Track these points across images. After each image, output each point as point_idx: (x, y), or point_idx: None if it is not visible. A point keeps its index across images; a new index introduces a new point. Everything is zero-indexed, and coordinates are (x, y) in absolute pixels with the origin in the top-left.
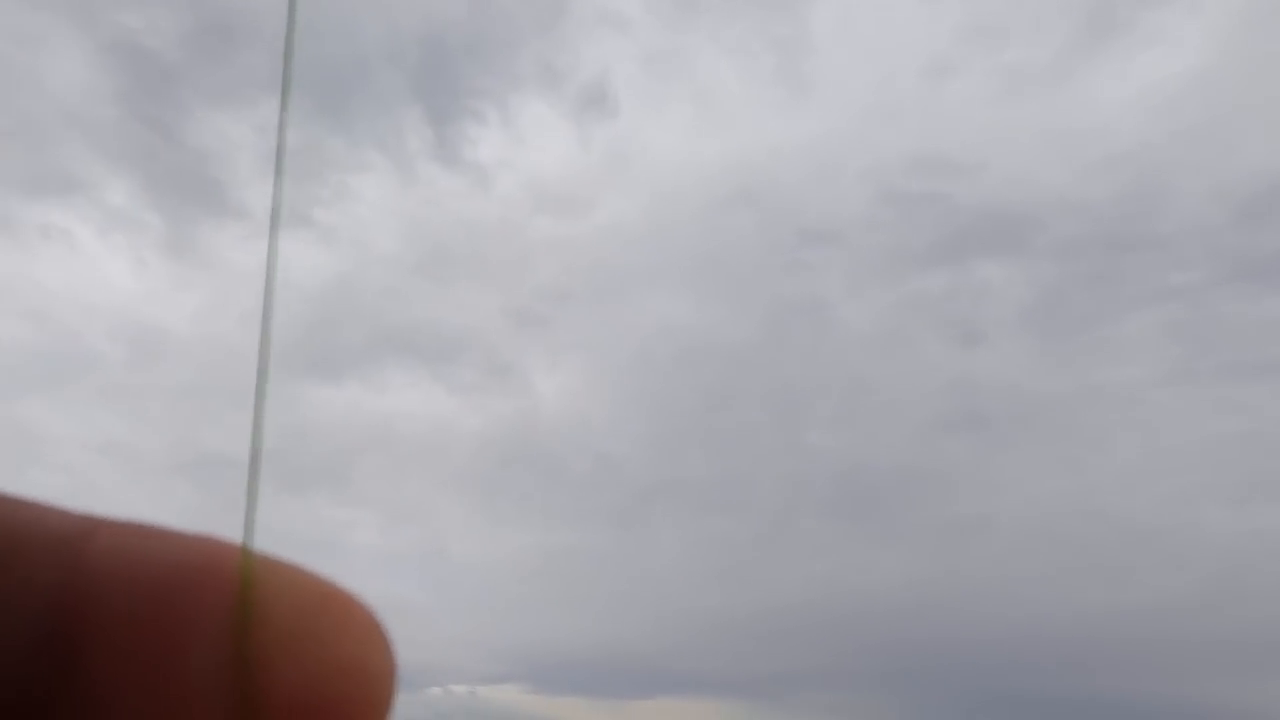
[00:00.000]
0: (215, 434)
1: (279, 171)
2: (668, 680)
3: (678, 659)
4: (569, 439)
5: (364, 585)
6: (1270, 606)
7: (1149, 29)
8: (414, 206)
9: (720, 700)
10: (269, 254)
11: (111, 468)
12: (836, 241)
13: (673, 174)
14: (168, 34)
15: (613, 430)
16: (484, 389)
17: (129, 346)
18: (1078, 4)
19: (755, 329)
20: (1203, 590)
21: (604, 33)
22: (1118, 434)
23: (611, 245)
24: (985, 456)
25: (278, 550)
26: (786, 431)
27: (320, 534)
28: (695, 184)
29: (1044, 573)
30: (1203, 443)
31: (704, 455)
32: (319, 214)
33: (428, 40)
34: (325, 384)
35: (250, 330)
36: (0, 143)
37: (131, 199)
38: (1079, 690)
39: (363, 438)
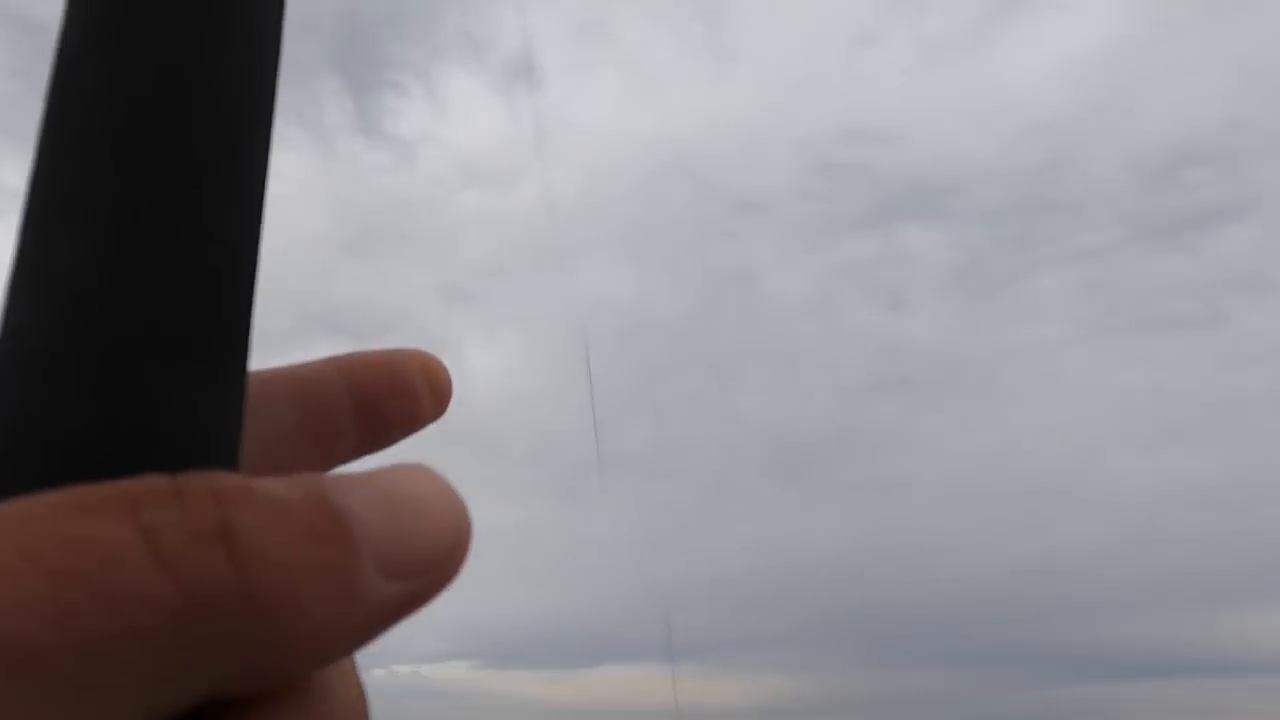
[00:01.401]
0: None
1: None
2: (615, 648)
3: (625, 627)
4: (507, 416)
5: None
6: (1180, 550)
7: None
8: (337, 182)
9: (662, 665)
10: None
11: None
12: (766, 212)
13: (604, 146)
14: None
15: (552, 405)
16: None
17: None
18: None
19: (690, 300)
20: (1118, 536)
21: (527, 0)
22: (1035, 390)
23: (541, 218)
24: (911, 417)
25: None
26: (721, 399)
27: None
28: (625, 156)
29: (970, 526)
30: (1114, 395)
31: (644, 427)
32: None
33: (344, 9)
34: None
35: None
36: None
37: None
38: (1008, 639)
39: None
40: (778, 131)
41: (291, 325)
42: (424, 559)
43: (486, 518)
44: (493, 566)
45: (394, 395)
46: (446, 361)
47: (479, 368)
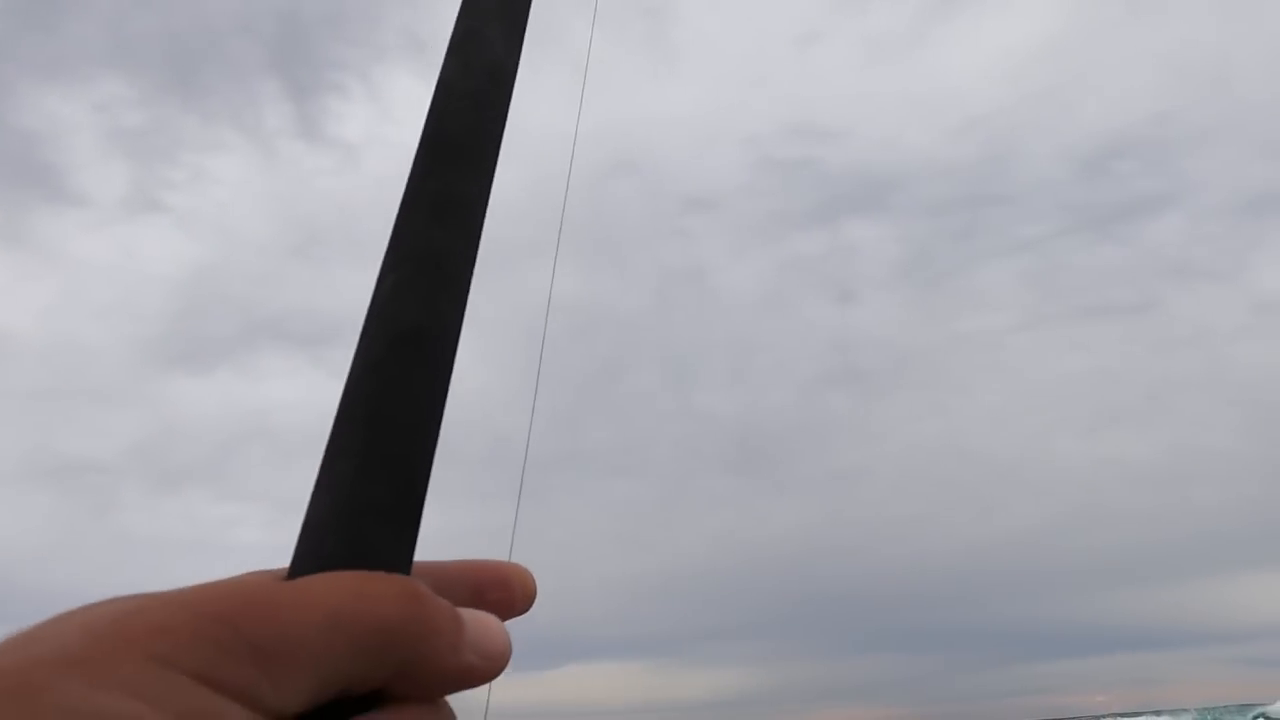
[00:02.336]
0: (75, 438)
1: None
2: (578, 647)
3: (587, 625)
4: (460, 417)
5: None
6: (1120, 528)
7: None
8: (279, 186)
9: (629, 661)
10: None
11: None
12: (716, 208)
13: (549, 144)
14: None
15: (507, 406)
16: None
17: None
18: None
19: (643, 298)
20: (1062, 517)
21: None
22: (981, 378)
23: (495, 218)
24: (864, 407)
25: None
26: (678, 395)
27: (199, 534)
28: (576, 154)
29: (924, 512)
30: (1055, 381)
31: (601, 425)
32: (173, 198)
33: (282, 10)
34: (196, 377)
35: (106, 326)
36: None
37: None
38: (963, 620)
39: (241, 430)
40: (725, 129)
41: (238, 332)
42: (493, 652)
43: (448, 523)
44: None
45: (497, 589)
46: None
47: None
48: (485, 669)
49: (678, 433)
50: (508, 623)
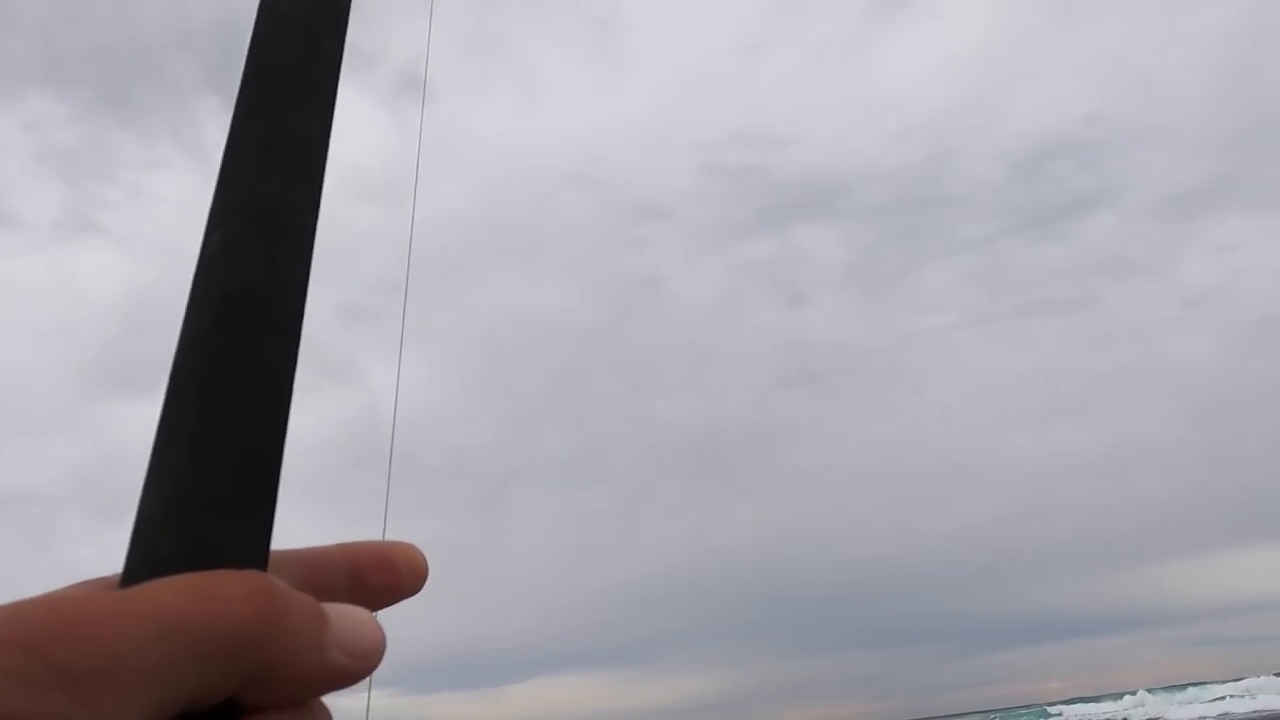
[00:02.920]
0: (10, 469)
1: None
2: (541, 660)
3: (552, 638)
4: (418, 433)
5: None
6: (1069, 518)
7: (930, 6)
8: None
9: (595, 672)
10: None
11: None
12: (667, 216)
13: (500, 158)
14: None
15: (464, 420)
16: (317, 390)
17: None
18: None
19: (597, 306)
20: (1014, 509)
21: (414, 14)
22: (931, 376)
23: (442, 233)
24: (819, 409)
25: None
26: (636, 402)
27: None
28: (524, 167)
29: (881, 509)
30: (1002, 377)
31: (559, 435)
32: (110, 218)
33: (220, 23)
34: (138, 400)
35: (42, 350)
36: None
37: None
38: (921, 614)
39: None
40: (673, 138)
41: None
42: (363, 649)
43: (403, 539)
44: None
45: (380, 572)
46: (348, 382)
47: (385, 386)
48: (355, 668)
49: (637, 440)
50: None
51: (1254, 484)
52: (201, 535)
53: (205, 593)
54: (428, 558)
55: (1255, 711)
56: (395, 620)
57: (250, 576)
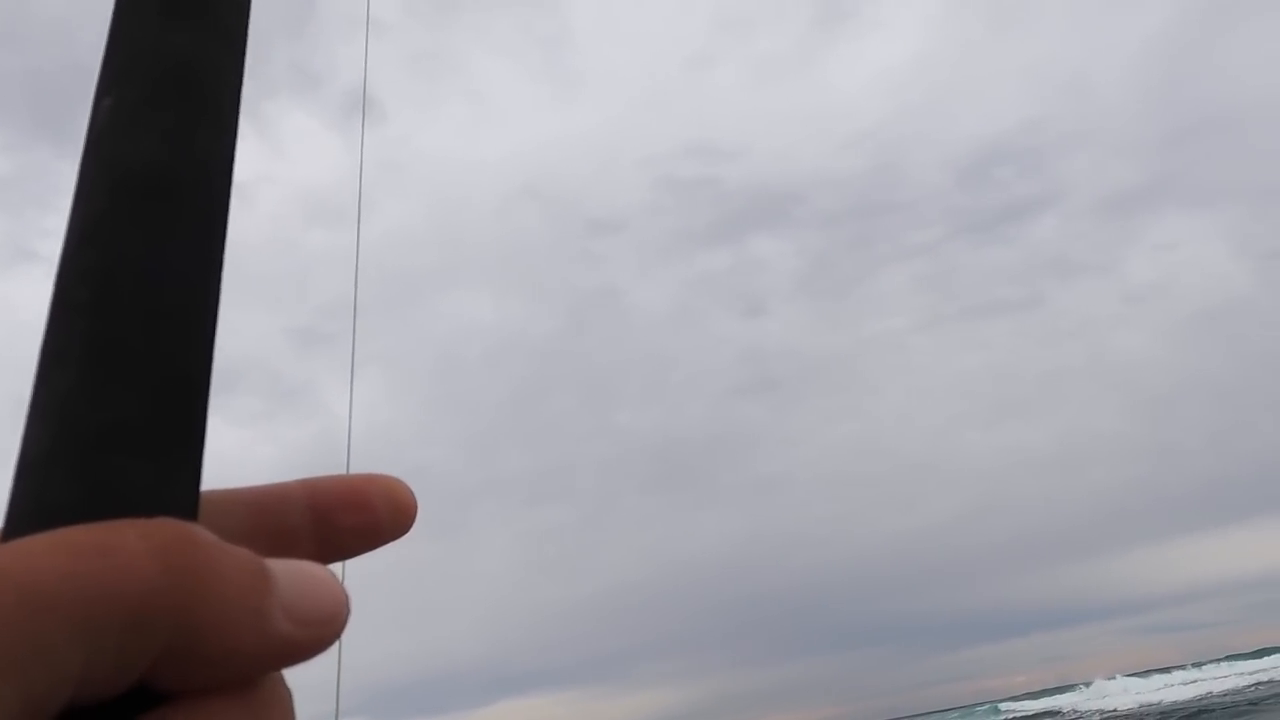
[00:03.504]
0: None
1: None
2: (511, 681)
3: (519, 658)
4: (376, 454)
5: None
6: (1026, 512)
7: (871, 18)
8: None
9: (563, 691)
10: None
11: None
12: (622, 229)
13: (452, 175)
14: None
15: (423, 439)
16: (273, 416)
17: None
18: None
19: (555, 321)
20: (972, 506)
21: (359, 34)
22: (887, 379)
23: (396, 252)
24: (779, 415)
25: None
26: (597, 416)
27: None
28: (477, 184)
29: (842, 512)
30: (955, 377)
31: (520, 450)
32: (50, 247)
33: None
34: None
35: None
36: None
37: None
38: (887, 614)
39: None
40: (625, 152)
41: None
42: (318, 615)
43: (362, 565)
44: (374, 614)
45: (351, 510)
46: (305, 407)
47: (342, 410)
48: (307, 639)
49: (599, 454)
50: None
51: (1200, 472)
52: (102, 476)
53: (93, 548)
54: (413, 492)
55: (1201, 696)
56: (361, 644)
57: (159, 525)
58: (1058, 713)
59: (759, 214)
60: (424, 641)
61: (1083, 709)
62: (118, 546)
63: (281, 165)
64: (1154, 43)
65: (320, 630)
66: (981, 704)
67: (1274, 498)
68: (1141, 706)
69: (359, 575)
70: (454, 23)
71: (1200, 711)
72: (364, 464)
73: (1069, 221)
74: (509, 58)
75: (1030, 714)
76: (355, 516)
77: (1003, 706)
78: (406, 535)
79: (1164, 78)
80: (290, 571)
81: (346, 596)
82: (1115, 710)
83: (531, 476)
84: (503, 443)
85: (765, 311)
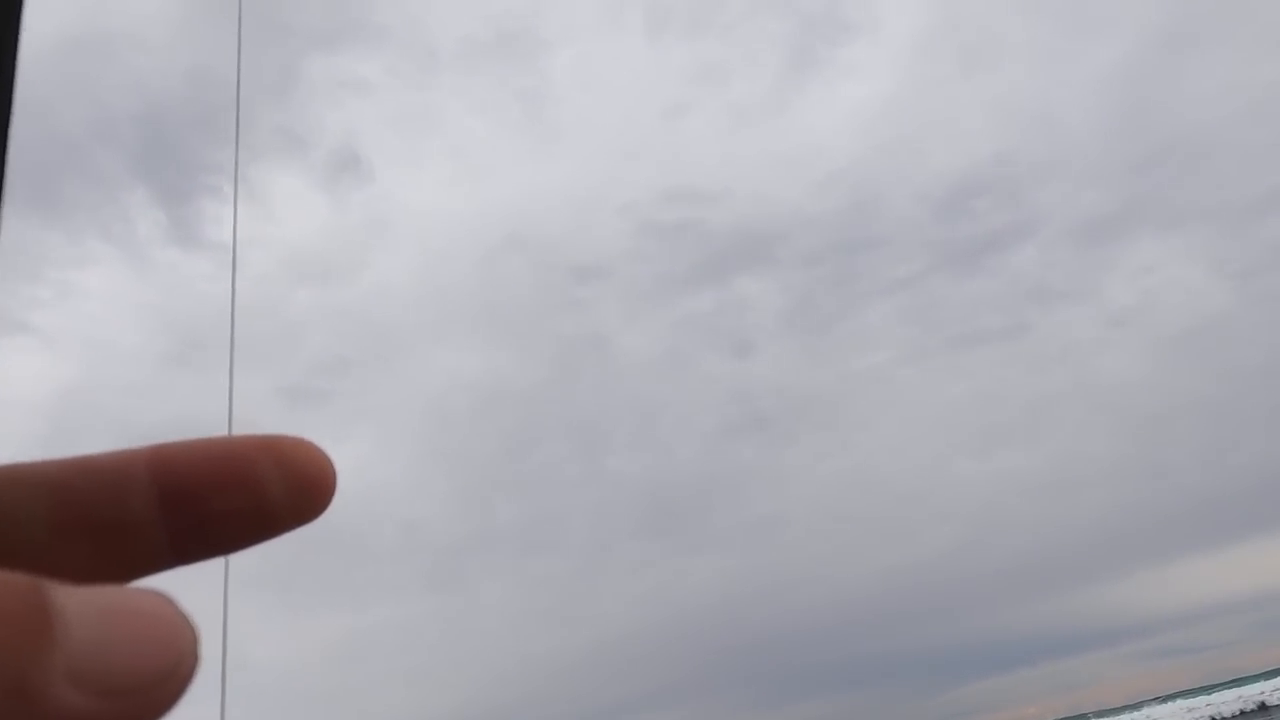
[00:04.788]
0: None
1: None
2: None
3: (517, 710)
4: (368, 511)
5: None
6: (1022, 538)
7: (842, 62)
8: (154, 296)
9: None
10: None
11: None
12: (607, 276)
13: (438, 229)
14: None
15: (414, 493)
16: None
17: None
18: (779, 41)
19: (543, 369)
20: (967, 536)
21: (344, 97)
22: (877, 413)
23: (385, 307)
24: (771, 454)
25: None
26: (588, 462)
27: None
28: (462, 237)
29: (839, 548)
30: (944, 408)
31: (512, 501)
32: (39, 317)
33: (144, 116)
34: None
35: None
36: None
37: None
38: (887, 651)
39: None
40: (606, 200)
41: (114, 448)
42: (127, 679)
43: (356, 623)
44: (370, 672)
45: (225, 489)
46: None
47: (336, 467)
48: (107, 712)
49: (591, 501)
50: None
51: (1194, 491)
52: None
53: None
54: (328, 456)
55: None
56: (350, 705)
57: None
58: None
59: (741, 255)
60: (419, 697)
61: None
62: None
63: (269, 227)
64: (1117, 72)
65: (133, 702)
66: None
67: (1269, 515)
68: None
69: (352, 635)
70: (435, 82)
71: None
72: (359, 523)
73: (1046, 250)
74: (490, 111)
75: None
76: (232, 496)
77: None
78: (319, 518)
79: (1127, 106)
80: (92, 610)
81: (189, 642)
82: None
83: (524, 528)
84: (494, 494)
85: (753, 351)
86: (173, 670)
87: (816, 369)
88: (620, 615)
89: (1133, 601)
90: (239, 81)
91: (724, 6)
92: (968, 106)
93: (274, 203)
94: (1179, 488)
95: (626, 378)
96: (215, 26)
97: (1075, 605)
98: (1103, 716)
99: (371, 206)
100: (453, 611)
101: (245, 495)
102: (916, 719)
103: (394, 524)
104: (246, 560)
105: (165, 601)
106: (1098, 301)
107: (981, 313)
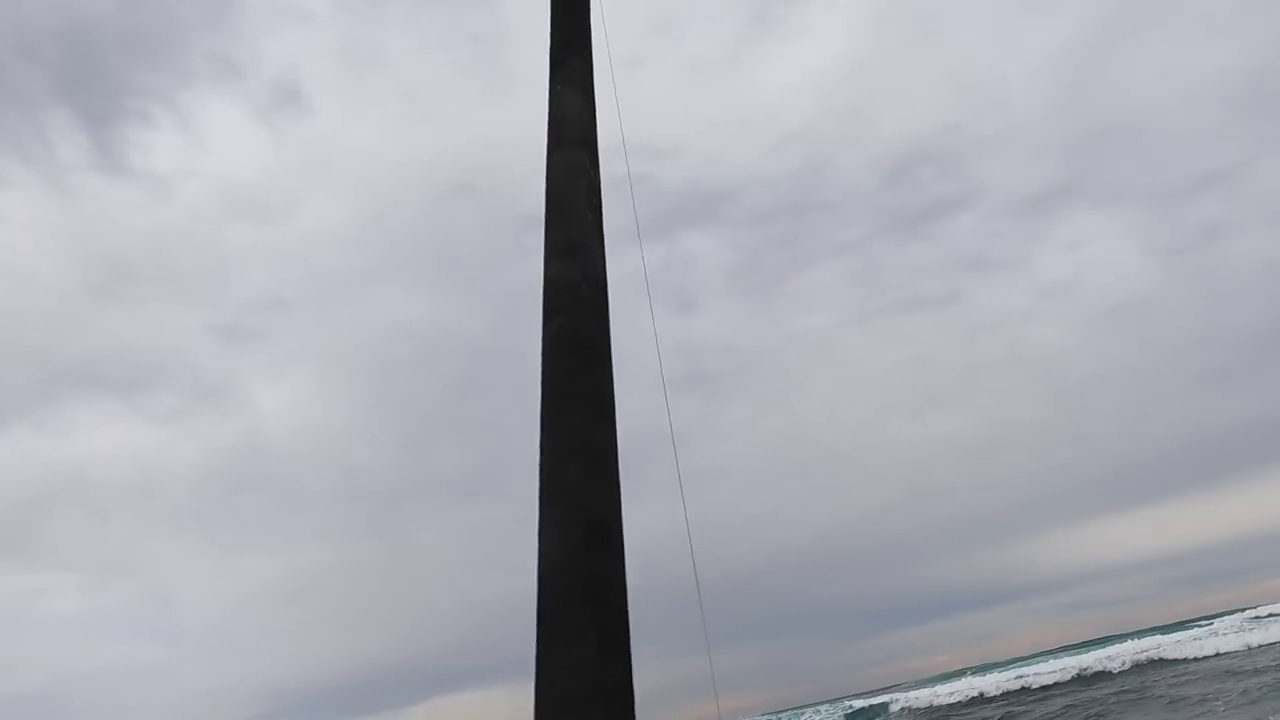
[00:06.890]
0: None
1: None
2: (443, 678)
3: (451, 655)
4: (306, 455)
5: (63, 657)
6: (949, 498)
7: (798, 23)
8: (77, 225)
9: (493, 688)
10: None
11: None
12: None
13: (383, 171)
14: None
15: (354, 438)
16: (194, 414)
17: None
18: (736, 1)
19: (489, 318)
20: (899, 494)
21: (284, 25)
22: (816, 373)
23: (324, 248)
24: (712, 409)
25: None
26: (531, 413)
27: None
28: (409, 180)
29: (773, 504)
30: (881, 370)
31: (455, 449)
32: None
33: (69, 34)
34: None
35: None
36: None
37: None
38: (819, 601)
39: (47, 490)
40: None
41: (34, 382)
42: None
43: (291, 567)
44: (304, 616)
45: None
46: (227, 405)
47: (269, 408)
48: None
49: (533, 450)
50: None
51: (1113, 458)
52: None
53: None
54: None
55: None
56: (292, 645)
57: None
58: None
59: (691, 212)
60: (353, 642)
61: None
62: None
63: (203, 157)
64: (1061, 52)
65: None
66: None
67: (1178, 481)
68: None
69: (286, 577)
70: (383, 15)
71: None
72: (296, 466)
73: (985, 220)
74: (442, 52)
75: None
76: None
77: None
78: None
79: (1071, 84)
80: None
81: None
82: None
83: (465, 475)
84: (436, 442)
85: (697, 307)
86: None
87: (759, 328)
88: None
89: (1048, 558)
90: None
91: None
92: (920, 76)
93: (207, 133)
94: (1098, 454)
95: None
96: None
97: (995, 561)
98: (987, 670)
99: (312, 144)
100: (391, 557)
101: None
102: (838, 663)
103: (334, 469)
104: (175, 499)
105: None
106: (1030, 273)
107: (920, 279)
